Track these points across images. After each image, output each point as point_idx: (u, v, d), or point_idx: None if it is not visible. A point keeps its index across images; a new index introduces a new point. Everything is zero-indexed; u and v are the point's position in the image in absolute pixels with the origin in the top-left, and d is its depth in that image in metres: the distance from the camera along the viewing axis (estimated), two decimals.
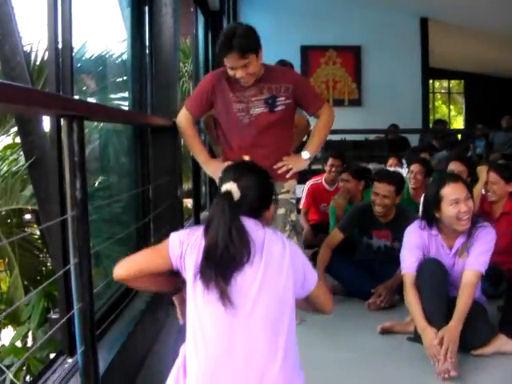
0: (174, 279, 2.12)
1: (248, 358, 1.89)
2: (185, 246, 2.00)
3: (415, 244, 3.36)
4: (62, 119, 2.08)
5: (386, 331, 3.59)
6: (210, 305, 1.91)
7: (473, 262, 3.23)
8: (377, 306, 4.04)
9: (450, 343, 2.97)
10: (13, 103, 1.54)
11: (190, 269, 1.97)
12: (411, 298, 3.27)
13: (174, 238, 2.04)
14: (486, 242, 3.27)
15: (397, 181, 4.36)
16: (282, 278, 1.96)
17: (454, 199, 3.19)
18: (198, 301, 1.94)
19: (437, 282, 3.20)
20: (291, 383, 1.92)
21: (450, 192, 3.21)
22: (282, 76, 3.41)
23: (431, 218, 3.34)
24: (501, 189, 4.22)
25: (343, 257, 4.43)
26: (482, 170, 4.29)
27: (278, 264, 1.96)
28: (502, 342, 3.24)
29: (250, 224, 1.99)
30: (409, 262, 3.35)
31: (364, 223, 4.43)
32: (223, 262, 1.91)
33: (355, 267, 4.40)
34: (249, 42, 3.14)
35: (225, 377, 1.88)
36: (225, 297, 1.88)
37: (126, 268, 2.05)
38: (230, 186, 2.01)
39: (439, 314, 3.13)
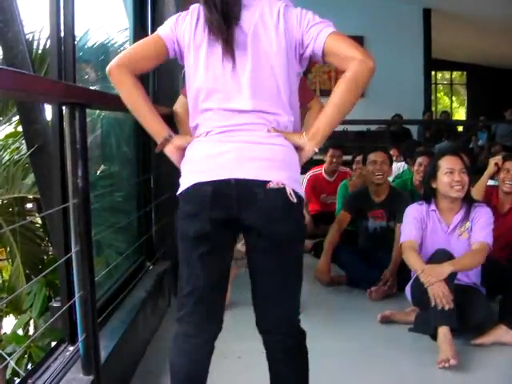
0: (165, 126, 1.99)
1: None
2: (180, 23, 1.92)
3: (413, 216, 3.55)
4: (63, 107, 2.07)
5: (386, 320, 3.60)
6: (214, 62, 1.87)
7: (478, 235, 3.39)
8: (379, 295, 4.05)
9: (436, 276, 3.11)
10: (14, 90, 1.54)
11: (187, 33, 1.90)
12: (410, 252, 3.39)
13: (161, 26, 1.96)
14: (486, 218, 3.43)
15: (386, 150, 4.85)
16: (276, 40, 1.86)
17: (449, 168, 3.44)
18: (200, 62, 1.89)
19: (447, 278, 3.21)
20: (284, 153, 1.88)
21: (446, 162, 3.47)
22: None
23: (430, 190, 3.55)
24: None
25: (346, 245, 4.53)
26: (491, 162, 4.19)
27: (271, 25, 1.86)
28: (501, 332, 3.25)
29: None
30: (407, 231, 3.52)
31: (361, 204, 4.63)
32: (226, 10, 1.84)
33: (358, 255, 4.50)
34: None
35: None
36: (228, 49, 1.83)
37: (117, 58, 1.92)
38: None
39: (447, 313, 3.13)
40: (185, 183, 1.88)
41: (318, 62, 1.99)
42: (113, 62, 1.90)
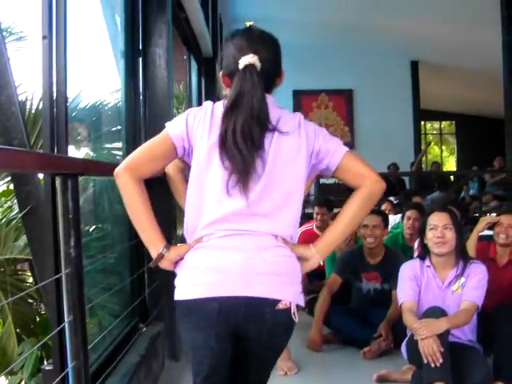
0: (161, 238, 1.93)
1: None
2: (191, 120, 1.89)
3: (408, 276, 3.58)
4: (56, 177, 2.08)
5: (382, 379, 3.56)
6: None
7: (469, 295, 3.40)
8: (372, 354, 4.01)
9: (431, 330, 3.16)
10: (7, 167, 1.56)
11: (200, 131, 1.87)
12: (410, 314, 3.42)
13: (170, 124, 1.93)
14: (480, 278, 3.44)
15: (381, 212, 4.74)
16: (297, 154, 1.88)
17: (433, 225, 3.51)
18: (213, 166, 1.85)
19: (439, 336, 3.19)
20: (287, 264, 1.89)
21: (432, 219, 3.55)
22: None
23: (423, 246, 3.62)
24: None
25: (338, 306, 4.45)
26: (482, 220, 4.17)
27: (292, 140, 1.88)
28: None
29: (269, 100, 1.90)
30: (406, 291, 3.54)
31: (354, 266, 4.52)
32: (254, 134, 1.82)
33: (350, 316, 4.39)
34: None
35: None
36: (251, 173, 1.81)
37: (125, 161, 1.91)
38: (252, 60, 1.86)
39: (441, 368, 3.11)
40: (187, 292, 1.86)
41: (323, 175, 2.05)
42: (121, 166, 1.90)
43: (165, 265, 1.94)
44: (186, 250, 1.91)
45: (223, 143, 1.82)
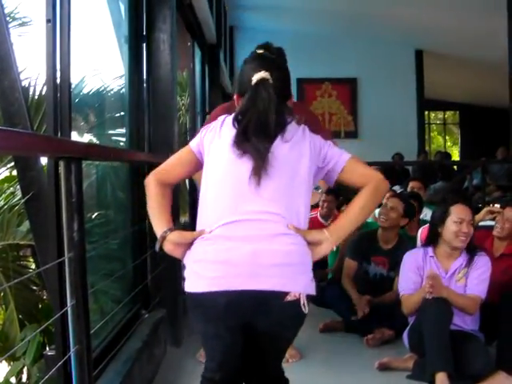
0: (167, 221, 2.03)
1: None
2: (203, 133, 2.04)
3: (410, 268, 3.59)
4: (60, 161, 2.08)
5: (384, 367, 3.56)
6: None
7: (474, 288, 3.41)
8: (376, 342, 4.02)
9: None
10: (9, 149, 1.55)
11: (211, 134, 2.01)
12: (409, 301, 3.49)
13: (193, 140, 2.08)
14: (484, 270, 3.44)
15: (407, 202, 4.63)
16: (299, 157, 1.96)
17: (459, 218, 3.42)
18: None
19: (441, 327, 3.22)
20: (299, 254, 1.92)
21: (458, 211, 3.45)
22: None
23: (435, 234, 3.55)
24: None
25: (343, 292, 4.47)
26: (485, 210, 4.16)
27: (297, 145, 1.96)
28: (501, 379, 3.23)
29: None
30: (408, 283, 3.56)
31: (366, 248, 4.53)
32: (268, 133, 1.92)
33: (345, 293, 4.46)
34: None
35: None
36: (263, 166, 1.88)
37: (153, 173, 2.07)
38: (264, 74, 1.96)
39: (444, 358, 3.13)
40: (196, 285, 1.91)
41: (326, 180, 2.11)
42: (152, 172, 2.09)
43: (168, 248, 1.98)
44: (190, 236, 1.95)
45: (238, 139, 1.92)
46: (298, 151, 1.95)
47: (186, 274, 1.95)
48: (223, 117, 2.04)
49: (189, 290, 1.92)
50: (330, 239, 1.97)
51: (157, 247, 2.00)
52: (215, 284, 1.85)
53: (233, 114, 2.00)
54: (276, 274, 1.85)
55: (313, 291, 1.93)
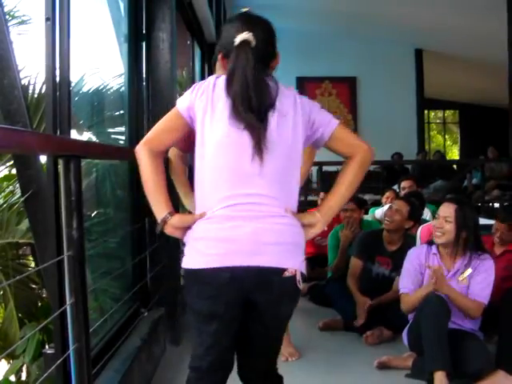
0: (166, 205, 2.00)
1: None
2: (193, 96, 1.96)
3: (412, 266, 3.60)
4: (59, 159, 2.08)
5: (383, 365, 3.57)
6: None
7: (478, 294, 3.40)
8: (375, 339, 4.03)
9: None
10: (9, 147, 1.55)
11: (203, 101, 1.95)
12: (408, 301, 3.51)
13: (179, 99, 2.02)
14: (488, 274, 3.42)
15: (413, 204, 4.63)
16: (294, 132, 1.96)
17: (437, 214, 3.55)
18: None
19: (439, 325, 3.22)
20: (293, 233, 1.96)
21: (440, 208, 3.57)
22: None
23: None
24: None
25: (344, 289, 4.50)
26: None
27: (290, 117, 1.96)
28: (500, 378, 3.22)
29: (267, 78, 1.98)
30: (407, 283, 3.57)
31: (372, 248, 4.56)
32: (256, 108, 1.90)
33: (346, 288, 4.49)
34: None
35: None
36: (261, 143, 1.88)
37: (143, 142, 2.01)
38: (246, 35, 1.94)
39: (442, 357, 3.13)
40: (197, 262, 1.92)
41: (314, 146, 2.12)
42: (141, 141, 2.02)
43: (169, 231, 2.01)
44: (191, 220, 1.97)
45: (230, 115, 1.90)
46: (293, 123, 1.96)
47: (186, 250, 1.96)
48: (213, 78, 1.99)
49: (188, 266, 1.94)
50: (321, 221, 2.04)
51: (157, 230, 2.02)
52: (217, 261, 1.88)
53: (223, 77, 1.97)
54: (275, 252, 1.90)
55: (304, 270, 1.98)
